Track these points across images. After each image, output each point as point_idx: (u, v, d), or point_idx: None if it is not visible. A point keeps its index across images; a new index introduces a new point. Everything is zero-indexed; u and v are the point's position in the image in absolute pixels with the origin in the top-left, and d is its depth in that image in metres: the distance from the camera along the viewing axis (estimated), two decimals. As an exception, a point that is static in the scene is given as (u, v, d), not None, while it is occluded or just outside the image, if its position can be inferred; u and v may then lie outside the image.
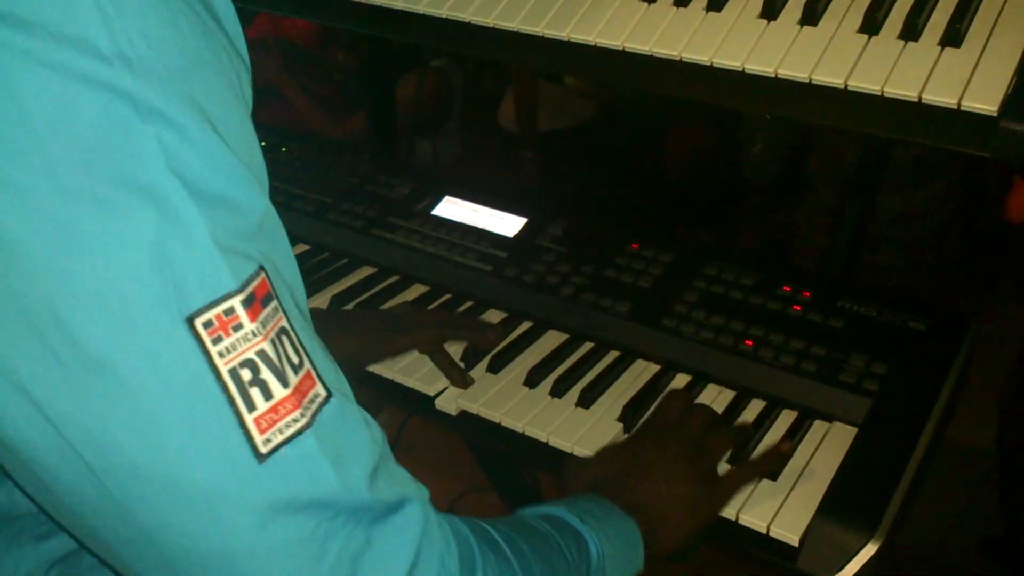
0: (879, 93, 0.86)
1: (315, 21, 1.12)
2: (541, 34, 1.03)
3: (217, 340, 0.52)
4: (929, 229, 2.53)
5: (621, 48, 0.98)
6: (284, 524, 0.54)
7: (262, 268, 0.55)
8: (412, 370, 1.20)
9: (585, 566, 0.79)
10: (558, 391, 1.16)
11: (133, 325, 0.51)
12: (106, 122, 0.49)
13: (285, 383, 0.55)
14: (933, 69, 0.86)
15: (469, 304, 1.33)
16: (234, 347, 0.53)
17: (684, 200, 2.97)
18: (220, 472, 0.53)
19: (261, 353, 0.54)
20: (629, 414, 1.11)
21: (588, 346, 1.24)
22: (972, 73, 0.84)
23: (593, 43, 1.00)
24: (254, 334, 0.54)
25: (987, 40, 0.87)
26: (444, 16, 1.08)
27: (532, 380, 1.17)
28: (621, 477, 0.94)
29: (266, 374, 0.54)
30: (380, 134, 1.80)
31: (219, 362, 0.52)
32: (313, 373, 0.57)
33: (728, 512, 0.98)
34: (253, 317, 0.54)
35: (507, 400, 1.15)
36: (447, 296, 1.34)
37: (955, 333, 1.17)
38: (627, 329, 1.23)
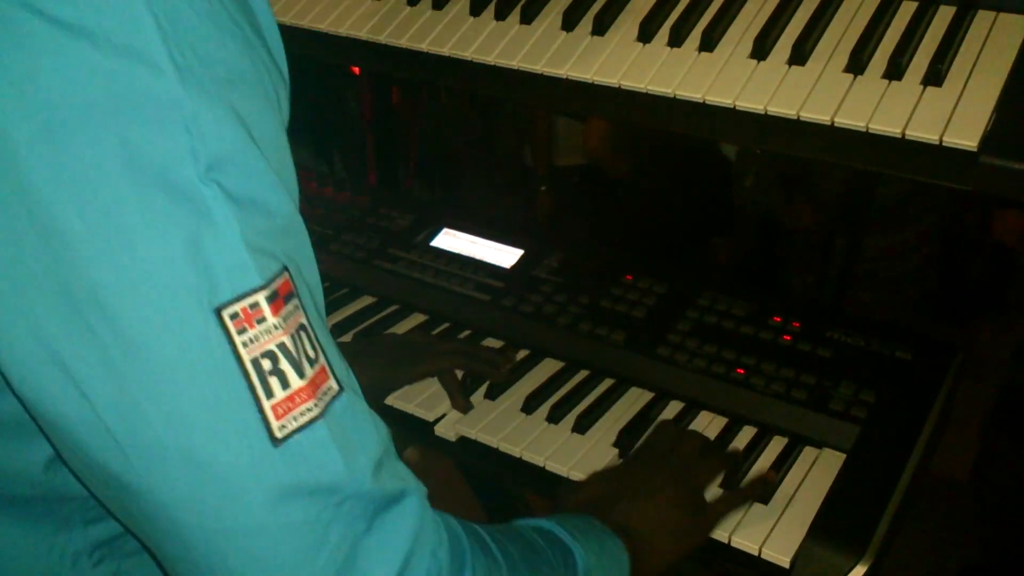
0: (864, 130, 0.90)
1: (327, 60, 1.17)
2: (540, 72, 1.06)
3: (242, 331, 0.56)
4: (914, 262, 2.57)
5: (617, 86, 1.02)
6: (292, 506, 0.58)
7: (286, 268, 0.59)
8: (411, 396, 1.23)
9: None
10: (554, 417, 1.19)
11: (167, 312, 0.55)
12: (155, 128, 0.54)
13: (302, 374, 0.59)
14: (916, 107, 0.90)
15: (467, 333, 1.35)
16: (257, 338, 0.57)
17: (677, 232, 3.00)
18: (237, 453, 0.57)
19: (281, 346, 0.58)
20: (624, 440, 1.14)
21: (584, 374, 1.27)
22: (953, 111, 0.88)
23: (590, 81, 1.04)
24: (276, 327, 0.58)
25: (967, 79, 0.91)
26: (447, 54, 1.12)
27: (529, 407, 1.20)
28: (611, 499, 0.96)
29: (284, 365, 0.58)
30: (381, 167, 1.84)
31: (243, 351, 0.56)
32: (327, 368, 0.61)
33: (720, 535, 1.00)
34: (276, 312, 0.58)
35: (504, 426, 1.17)
36: (446, 325, 1.37)
37: (941, 363, 1.20)
38: (622, 357, 1.26)
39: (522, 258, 1.44)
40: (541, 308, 1.34)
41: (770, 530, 1.01)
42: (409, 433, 1.23)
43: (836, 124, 0.91)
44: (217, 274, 0.56)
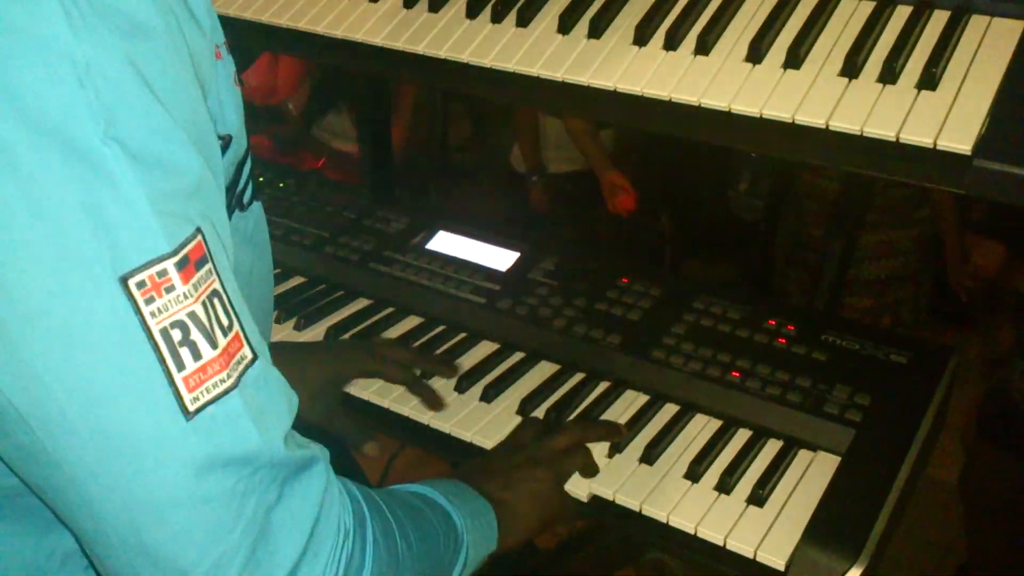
0: (859, 133, 0.90)
1: (315, 60, 1.16)
2: (537, 75, 1.06)
3: (150, 300, 0.54)
4: (907, 267, 2.59)
5: (613, 89, 1.02)
6: (209, 479, 0.57)
7: (199, 231, 0.57)
8: (407, 399, 1.23)
9: (453, 539, 0.83)
10: (550, 420, 1.19)
11: (68, 282, 0.52)
12: (45, 80, 0.51)
13: (214, 344, 0.57)
14: (910, 111, 0.90)
15: (462, 335, 1.35)
16: (166, 308, 0.55)
17: (673, 236, 3.02)
18: (148, 427, 0.55)
19: (192, 315, 0.56)
20: (619, 443, 1.14)
21: (579, 377, 1.27)
22: (947, 115, 0.89)
23: (587, 84, 1.04)
24: (186, 296, 0.55)
25: (961, 83, 0.91)
26: (443, 57, 1.12)
27: (524, 409, 1.20)
28: (480, 474, 1.00)
29: (196, 335, 0.56)
30: (376, 171, 1.84)
31: (151, 322, 0.54)
32: (242, 335, 0.59)
33: (716, 537, 1.01)
34: (186, 279, 0.55)
35: (501, 429, 1.17)
36: (441, 327, 1.37)
37: (936, 366, 1.20)
38: (618, 360, 1.26)
39: (518, 261, 1.44)
40: (537, 311, 1.34)
41: (765, 533, 1.01)
42: (404, 435, 1.23)
43: (831, 128, 0.91)
44: (121, 240, 0.53)
